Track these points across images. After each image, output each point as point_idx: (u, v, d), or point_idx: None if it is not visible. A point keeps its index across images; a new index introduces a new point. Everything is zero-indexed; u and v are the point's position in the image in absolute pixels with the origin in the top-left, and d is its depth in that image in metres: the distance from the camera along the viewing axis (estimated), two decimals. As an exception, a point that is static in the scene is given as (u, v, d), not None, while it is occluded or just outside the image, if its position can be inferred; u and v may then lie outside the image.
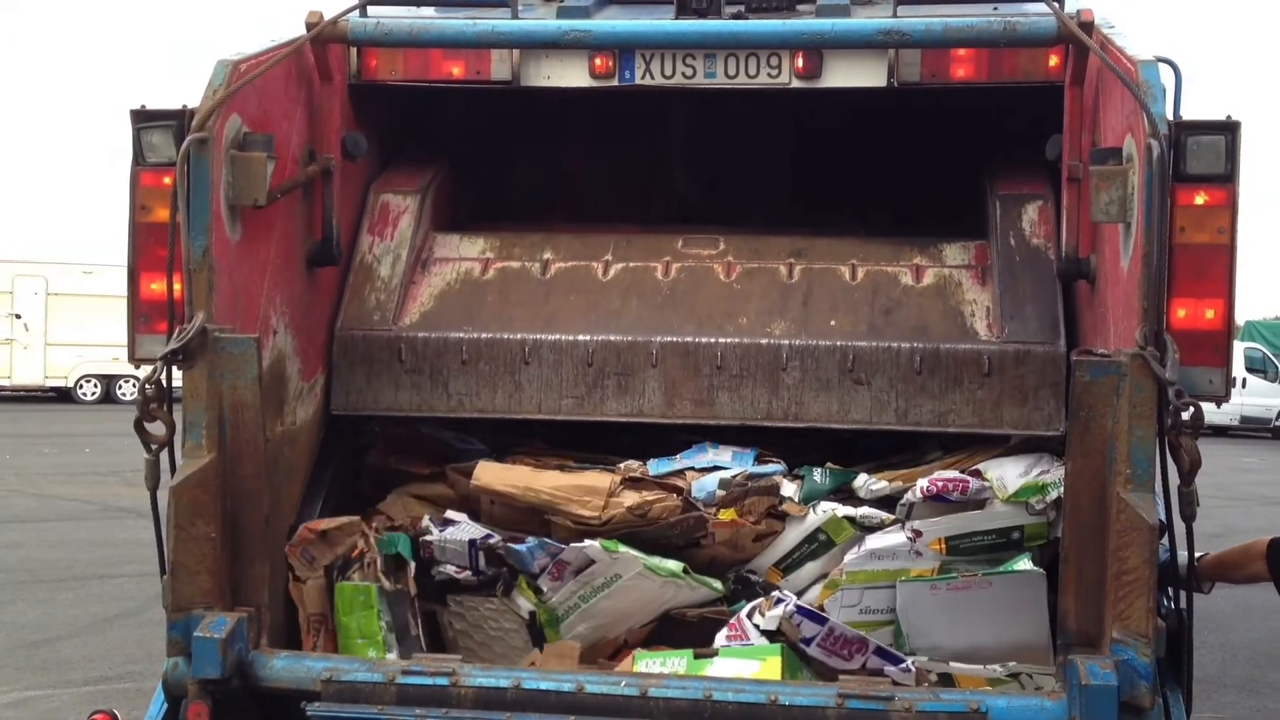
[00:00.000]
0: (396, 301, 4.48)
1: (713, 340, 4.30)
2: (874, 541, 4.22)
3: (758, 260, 4.53)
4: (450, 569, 4.32)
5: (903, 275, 4.43)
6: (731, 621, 3.95)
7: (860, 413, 4.25)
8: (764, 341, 4.29)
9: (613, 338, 4.35)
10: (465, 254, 4.66)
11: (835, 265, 4.49)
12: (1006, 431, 4.18)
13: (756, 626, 3.86)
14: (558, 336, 4.36)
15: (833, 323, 4.32)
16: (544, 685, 3.44)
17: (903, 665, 3.79)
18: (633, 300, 4.46)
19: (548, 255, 4.62)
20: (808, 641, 3.84)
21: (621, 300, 4.46)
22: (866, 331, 4.28)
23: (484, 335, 4.39)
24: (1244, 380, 28.16)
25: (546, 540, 4.29)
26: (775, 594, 3.95)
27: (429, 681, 3.46)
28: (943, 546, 4.19)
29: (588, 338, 4.35)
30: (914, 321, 4.30)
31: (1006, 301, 4.25)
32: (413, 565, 4.26)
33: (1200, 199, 3.53)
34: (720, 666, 3.69)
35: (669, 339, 4.32)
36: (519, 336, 4.38)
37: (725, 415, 4.31)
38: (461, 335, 4.40)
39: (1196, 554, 3.68)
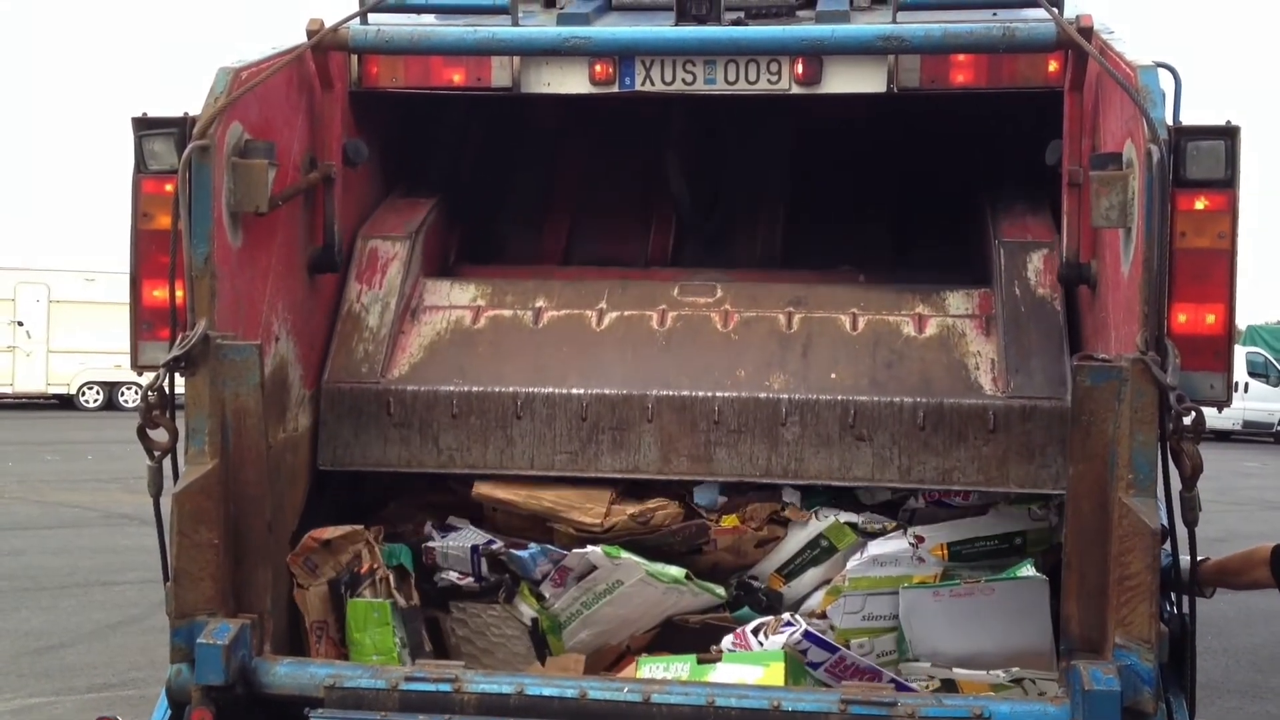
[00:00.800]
0: (385, 353, 4.36)
1: (710, 394, 4.19)
2: (876, 547, 4.22)
3: (756, 309, 4.42)
4: (452, 575, 4.32)
5: (904, 325, 4.31)
6: (737, 631, 3.95)
7: (862, 469, 4.13)
8: (763, 395, 4.17)
9: (607, 391, 4.22)
10: (456, 301, 4.55)
11: (835, 314, 4.37)
12: (1013, 490, 4.09)
13: (761, 644, 3.85)
14: (551, 390, 4.25)
15: (833, 376, 4.21)
16: (547, 691, 3.44)
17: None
18: (628, 351, 4.35)
19: (540, 303, 4.50)
20: (815, 666, 3.82)
21: (616, 351, 4.35)
22: (868, 385, 4.16)
23: (475, 388, 4.28)
24: (1245, 385, 28.14)
25: (549, 546, 4.30)
26: (785, 615, 3.92)
27: (432, 688, 3.47)
28: (945, 552, 4.19)
29: (581, 391, 4.23)
30: (917, 375, 4.18)
31: (1012, 354, 4.13)
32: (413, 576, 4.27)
33: (1201, 204, 3.53)
34: (724, 672, 3.69)
35: (665, 393, 4.21)
36: (511, 390, 4.26)
37: (723, 471, 4.20)
38: (452, 389, 4.29)
39: (1198, 558, 3.68)
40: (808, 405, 4.14)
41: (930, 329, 4.29)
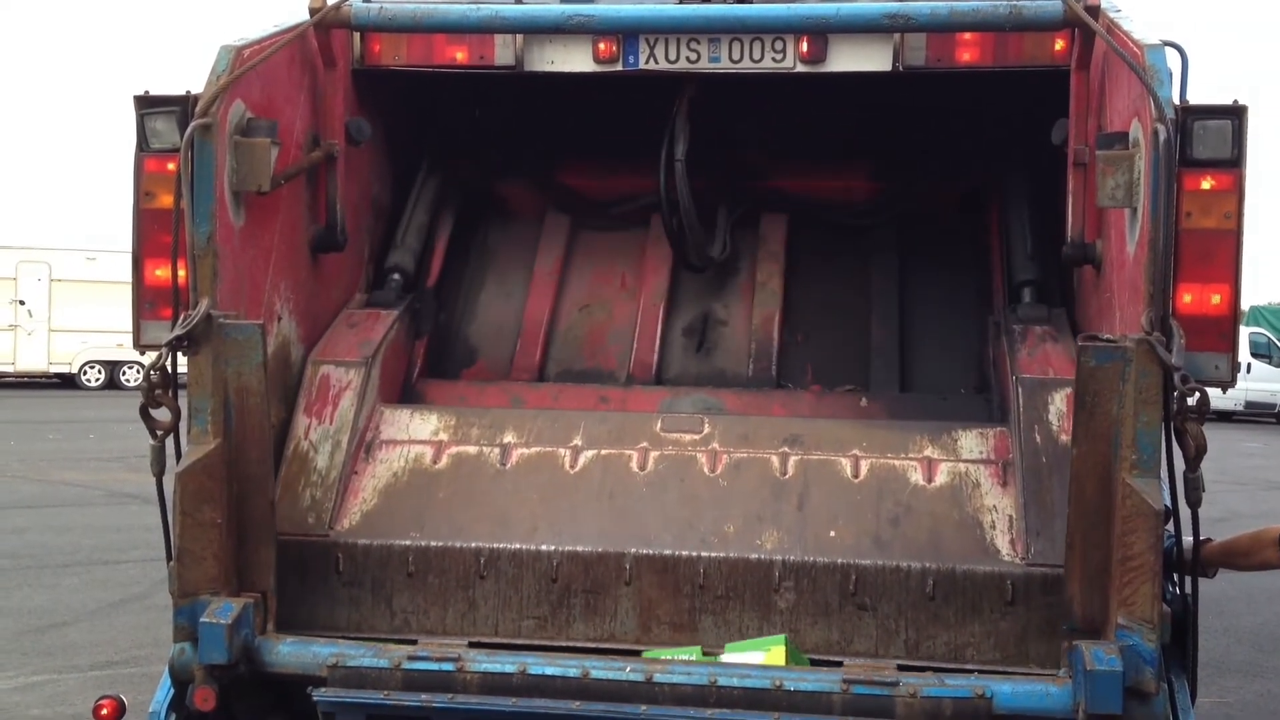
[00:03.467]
0: (335, 499, 3.96)
1: (694, 554, 3.81)
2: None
3: (746, 448, 4.05)
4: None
5: (911, 471, 3.93)
6: None
7: (864, 643, 3.73)
8: (753, 557, 3.79)
9: (580, 549, 3.85)
10: (416, 435, 4.16)
11: (835, 456, 3.99)
12: (1034, 671, 3.61)
13: None
14: (518, 546, 3.87)
15: (832, 534, 3.82)
16: (549, 671, 3.45)
17: None
18: (604, 500, 3.98)
19: (509, 438, 4.13)
20: None
21: (591, 499, 3.98)
22: (871, 546, 3.78)
23: (434, 543, 3.90)
24: (1248, 365, 28.16)
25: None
26: None
27: (435, 667, 3.48)
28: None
29: (552, 548, 3.86)
30: (926, 533, 3.79)
31: (1032, 514, 3.74)
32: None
33: (1207, 184, 3.51)
34: (725, 659, 3.68)
35: (644, 551, 3.83)
36: (473, 545, 3.88)
37: (709, 643, 3.77)
38: (408, 543, 3.90)
39: (1201, 538, 3.68)
40: (803, 569, 3.77)
41: (940, 476, 3.91)
